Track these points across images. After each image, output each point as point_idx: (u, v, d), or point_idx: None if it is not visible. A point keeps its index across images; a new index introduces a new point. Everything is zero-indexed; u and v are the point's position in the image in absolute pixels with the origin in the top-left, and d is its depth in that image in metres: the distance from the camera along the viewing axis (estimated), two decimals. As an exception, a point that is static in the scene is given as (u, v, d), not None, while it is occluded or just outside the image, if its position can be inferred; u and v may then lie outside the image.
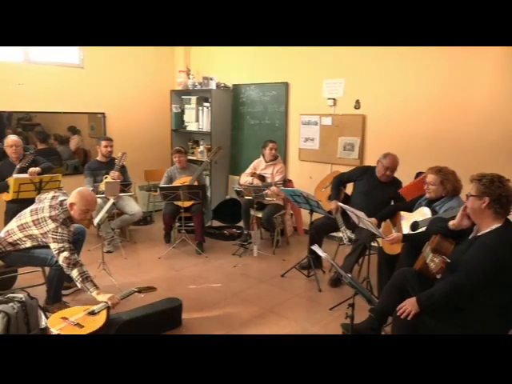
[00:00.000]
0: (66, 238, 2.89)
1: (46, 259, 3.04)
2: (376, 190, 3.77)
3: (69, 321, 2.53)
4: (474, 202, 2.18)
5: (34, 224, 2.95)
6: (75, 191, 3.00)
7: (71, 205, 2.95)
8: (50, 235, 2.89)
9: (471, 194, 2.20)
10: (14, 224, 3.04)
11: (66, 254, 2.85)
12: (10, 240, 3.02)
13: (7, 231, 3.05)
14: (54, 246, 2.88)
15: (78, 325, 2.51)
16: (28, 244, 3.02)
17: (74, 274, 2.82)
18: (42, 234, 2.94)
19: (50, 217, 2.91)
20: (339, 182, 4.05)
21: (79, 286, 2.86)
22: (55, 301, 3.11)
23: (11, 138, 4.27)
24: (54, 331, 2.44)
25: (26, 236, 2.99)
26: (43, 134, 5.26)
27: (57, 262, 2.93)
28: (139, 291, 2.98)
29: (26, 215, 3.01)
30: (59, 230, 2.89)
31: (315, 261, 3.99)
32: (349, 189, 4.12)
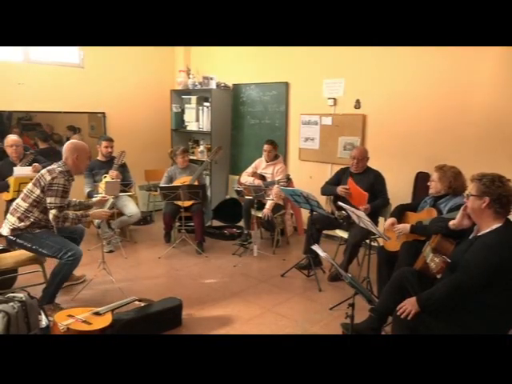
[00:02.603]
0: (62, 189, 2.99)
1: (58, 250, 3.03)
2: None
3: (76, 318, 2.56)
4: (474, 201, 2.18)
5: (34, 185, 3.05)
6: (70, 147, 3.14)
7: (76, 158, 3.11)
8: (46, 189, 2.99)
9: (471, 193, 2.20)
10: (18, 199, 3.14)
11: (54, 211, 2.96)
12: (18, 214, 3.06)
13: (14, 208, 3.10)
14: (48, 200, 2.99)
15: (86, 322, 2.54)
16: (36, 213, 3.05)
17: (68, 224, 3.03)
18: (42, 192, 3.02)
19: (48, 170, 3.04)
20: (327, 187, 4.13)
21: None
22: (49, 301, 3.08)
23: (11, 138, 4.27)
24: (63, 326, 2.45)
25: (31, 205, 3.04)
26: (44, 133, 5.26)
27: (67, 256, 3.00)
28: (139, 300, 3.03)
29: (27, 187, 3.13)
30: (55, 181, 2.99)
31: (315, 260, 3.99)
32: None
